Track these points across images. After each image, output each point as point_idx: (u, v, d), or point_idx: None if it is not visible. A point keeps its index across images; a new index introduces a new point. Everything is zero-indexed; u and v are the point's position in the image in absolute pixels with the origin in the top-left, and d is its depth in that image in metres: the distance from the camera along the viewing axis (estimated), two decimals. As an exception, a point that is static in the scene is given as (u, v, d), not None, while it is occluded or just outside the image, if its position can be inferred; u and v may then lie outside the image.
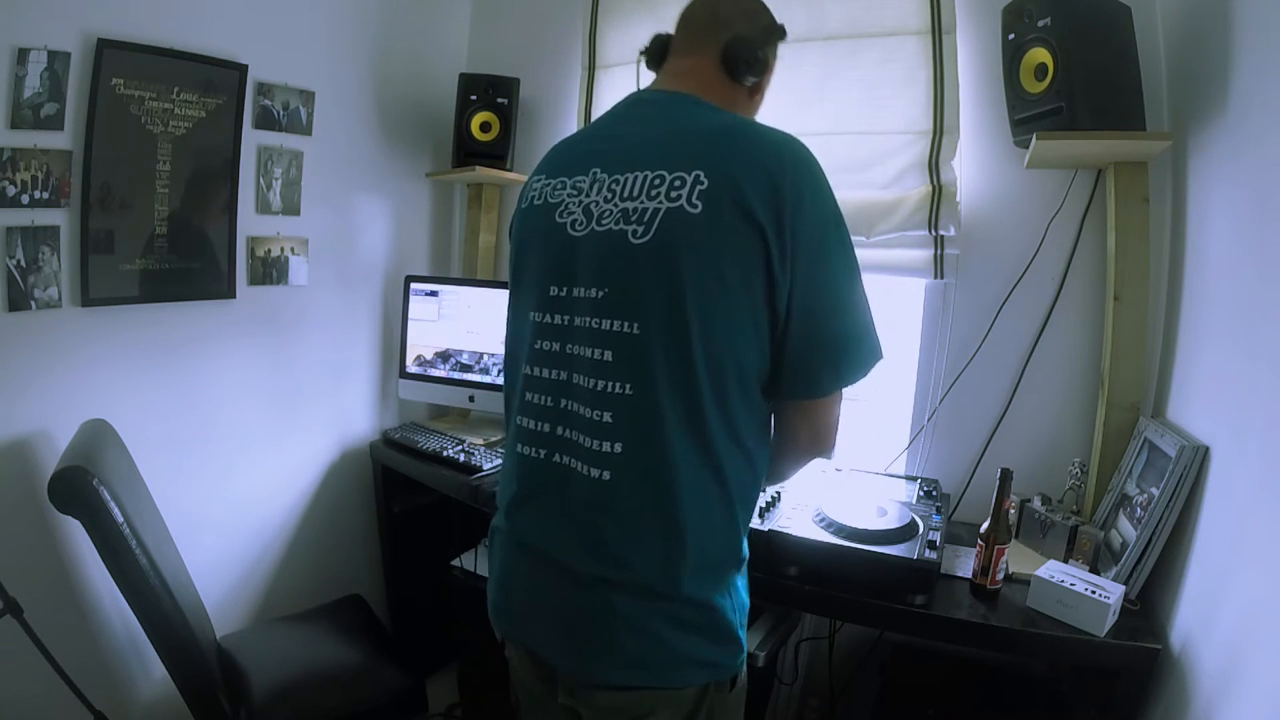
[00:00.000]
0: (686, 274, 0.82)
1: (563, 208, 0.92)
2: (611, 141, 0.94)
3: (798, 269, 0.83)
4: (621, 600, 0.86)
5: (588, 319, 0.88)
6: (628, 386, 0.84)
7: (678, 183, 0.83)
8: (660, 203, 0.83)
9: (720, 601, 0.89)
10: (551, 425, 0.92)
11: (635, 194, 0.86)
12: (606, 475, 0.86)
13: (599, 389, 0.86)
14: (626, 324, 0.84)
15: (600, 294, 0.87)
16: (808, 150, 0.87)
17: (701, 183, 0.82)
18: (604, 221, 0.87)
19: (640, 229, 0.84)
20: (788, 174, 0.82)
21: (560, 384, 0.91)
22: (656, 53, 1.04)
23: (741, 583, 0.95)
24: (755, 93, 1.03)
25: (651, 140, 0.89)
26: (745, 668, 0.94)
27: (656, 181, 0.85)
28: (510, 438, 1.00)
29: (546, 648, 0.94)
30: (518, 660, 1.02)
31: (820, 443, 0.95)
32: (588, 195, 0.90)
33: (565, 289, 0.90)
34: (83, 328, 1.57)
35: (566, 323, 0.90)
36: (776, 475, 1.02)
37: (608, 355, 0.86)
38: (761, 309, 0.83)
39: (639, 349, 0.84)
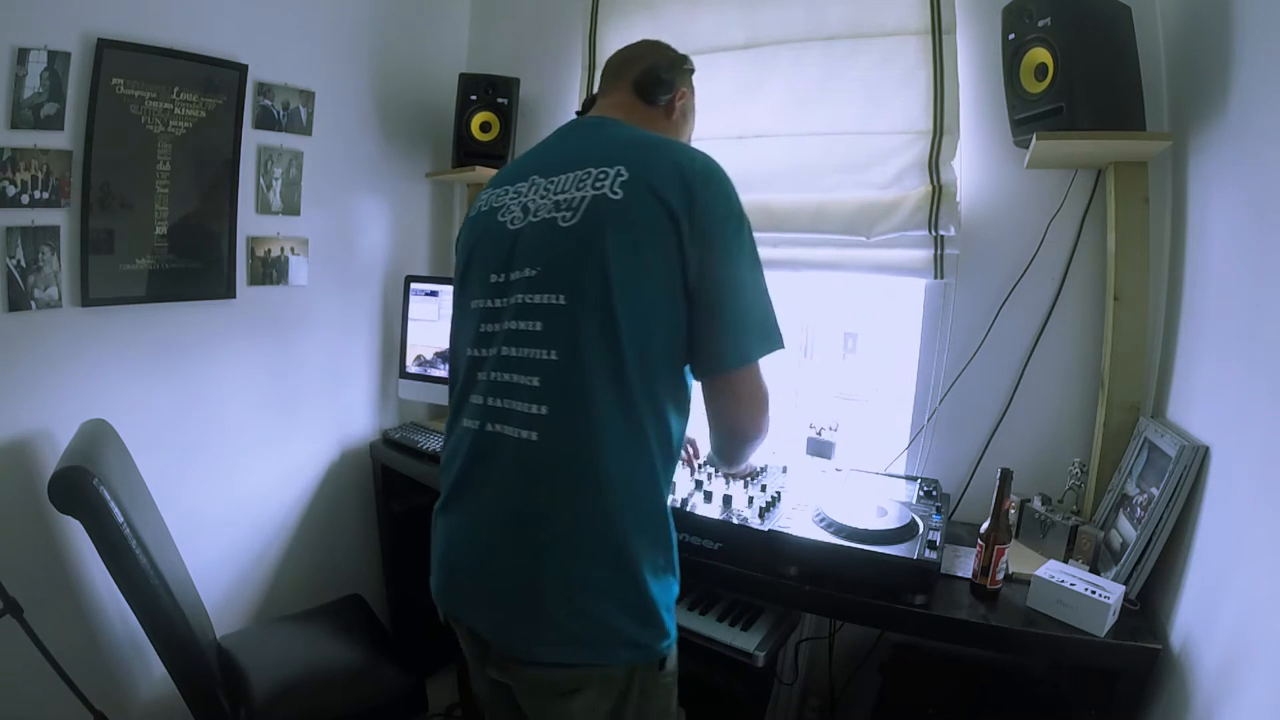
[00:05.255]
0: (608, 250, 0.91)
1: (504, 209, 1.04)
2: (548, 153, 1.09)
3: (703, 249, 0.92)
4: (550, 564, 0.91)
5: (521, 296, 0.97)
6: (553, 352, 0.93)
7: (602, 175, 0.95)
8: (586, 192, 0.95)
9: (648, 583, 0.94)
10: (487, 397, 0.99)
11: (565, 189, 0.98)
12: (534, 436, 0.93)
13: (528, 356, 0.95)
14: (554, 296, 0.94)
15: (533, 272, 0.97)
16: (717, 163, 0.98)
17: (622, 175, 0.94)
18: (539, 214, 0.99)
19: (569, 214, 0.95)
20: (698, 173, 0.94)
21: (498, 359, 0.99)
22: (586, 107, 1.21)
23: (671, 580, 0.99)
24: (671, 112, 1.17)
25: (582, 148, 1.02)
26: (675, 653, 1.00)
27: (584, 177, 0.97)
28: (450, 423, 1.07)
29: (480, 623, 0.99)
30: (462, 640, 1.06)
31: (739, 420, 1.00)
32: (525, 196, 1.02)
33: (504, 275, 1.00)
34: (83, 328, 1.57)
35: (504, 304, 1.00)
36: (720, 456, 1.10)
37: (537, 325, 0.95)
38: (678, 284, 0.93)
39: (564, 318, 0.93)
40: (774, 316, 0.98)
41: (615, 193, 0.93)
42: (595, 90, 1.22)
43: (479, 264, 1.05)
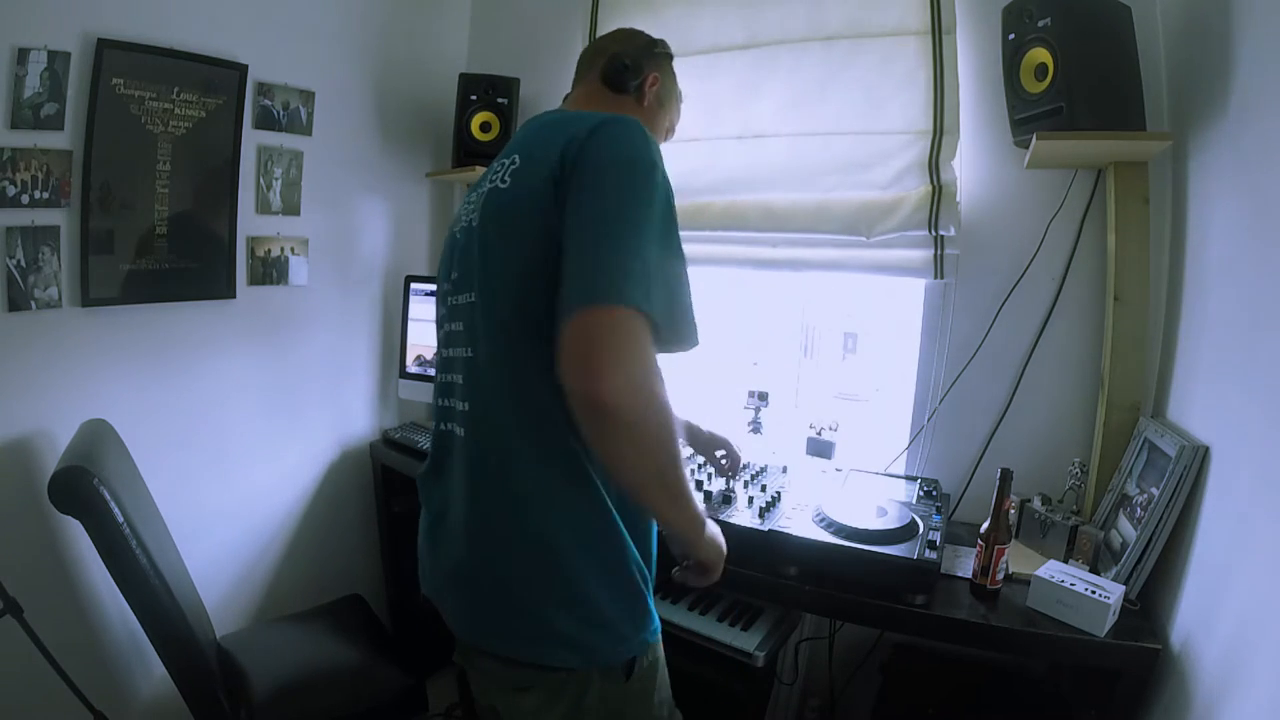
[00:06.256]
0: (496, 242, 0.90)
1: (457, 219, 1.04)
2: (496, 159, 1.04)
3: (572, 198, 0.83)
4: (483, 556, 0.92)
5: (450, 299, 1.00)
6: (468, 349, 0.94)
7: (499, 168, 0.94)
8: (485, 187, 0.95)
9: (588, 583, 0.88)
10: (439, 398, 1.03)
11: (481, 190, 0.97)
12: (460, 431, 0.96)
13: (456, 356, 0.97)
14: (465, 295, 0.95)
15: (456, 275, 0.98)
16: (634, 122, 0.88)
17: (515, 164, 0.91)
18: (468, 219, 0.98)
19: (475, 216, 0.94)
20: (587, 132, 0.85)
21: (445, 360, 1.02)
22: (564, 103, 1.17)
23: (628, 581, 0.92)
24: (643, 98, 1.11)
25: (510, 149, 0.98)
26: (651, 659, 0.95)
27: (489, 174, 0.97)
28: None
29: (445, 609, 1.01)
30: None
31: (570, 375, 0.75)
32: (472, 205, 0.99)
33: (447, 281, 1.02)
34: (83, 328, 1.57)
35: (446, 309, 1.02)
36: (610, 468, 0.85)
37: (459, 326, 0.96)
38: (555, 256, 0.82)
39: (473, 315, 0.93)
40: (648, 273, 0.78)
41: (504, 182, 0.91)
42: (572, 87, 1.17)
43: (440, 272, 1.07)
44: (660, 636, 0.99)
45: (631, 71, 1.08)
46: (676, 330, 0.84)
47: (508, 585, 0.91)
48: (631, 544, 0.93)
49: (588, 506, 0.90)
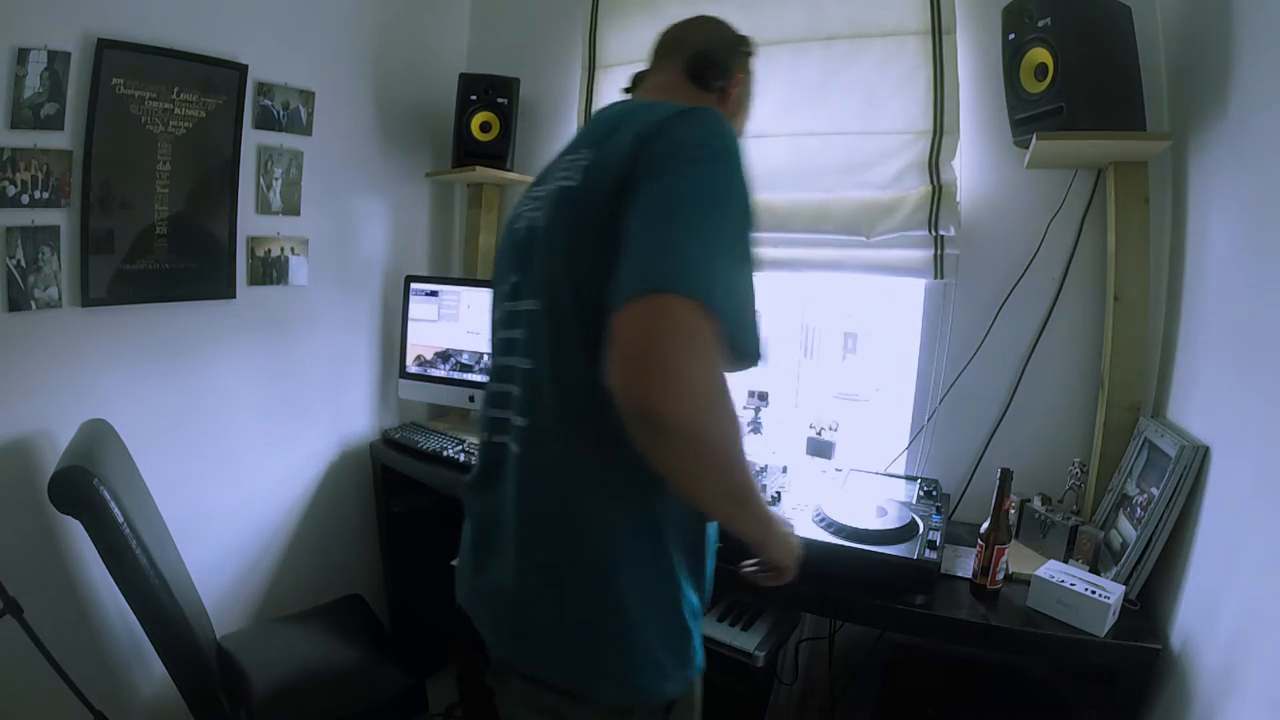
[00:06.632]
0: (566, 246, 0.82)
1: (517, 215, 0.97)
2: (562, 153, 0.98)
3: (640, 187, 0.73)
4: (532, 578, 0.86)
5: (510, 304, 0.93)
6: (529, 360, 0.87)
7: (569, 165, 0.86)
8: (554, 185, 0.87)
9: (636, 617, 0.82)
10: (490, 408, 0.97)
11: (546, 186, 0.90)
12: (516, 449, 0.89)
13: (515, 366, 0.90)
14: (528, 302, 0.88)
15: (516, 278, 0.91)
16: (719, 115, 0.81)
17: (585, 160, 0.83)
18: (529, 216, 0.92)
19: (539, 214, 0.87)
20: (671, 119, 0.78)
21: (501, 369, 0.95)
22: (633, 86, 1.08)
23: (680, 617, 0.86)
24: (726, 99, 1.04)
25: (577, 141, 0.92)
26: (690, 694, 0.91)
27: (555, 169, 0.90)
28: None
29: (482, 623, 0.96)
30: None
31: (618, 377, 0.64)
32: (535, 201, 0.93)
33: (508, 284, 0.95)
34: (83, 328, 1.57)
35: (503, 312, 0.96)
36: (672, 481, 0.74)
37: (518, 334, 0.90)
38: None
39: (536, 323, 0.86)
40: (719, 267, 0.68)
41: (575, 179, 0.83)
42: (648, 66, 1.07)
43: (498, 272, 1.01)
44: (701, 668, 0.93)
45: (720, 71, 1.01)
46: (739, 341, 0.72)
47: (558, 615, 0.85)
48: (687, 585, 0.87)
49: (649, 547, 0.84)
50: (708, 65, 1.00)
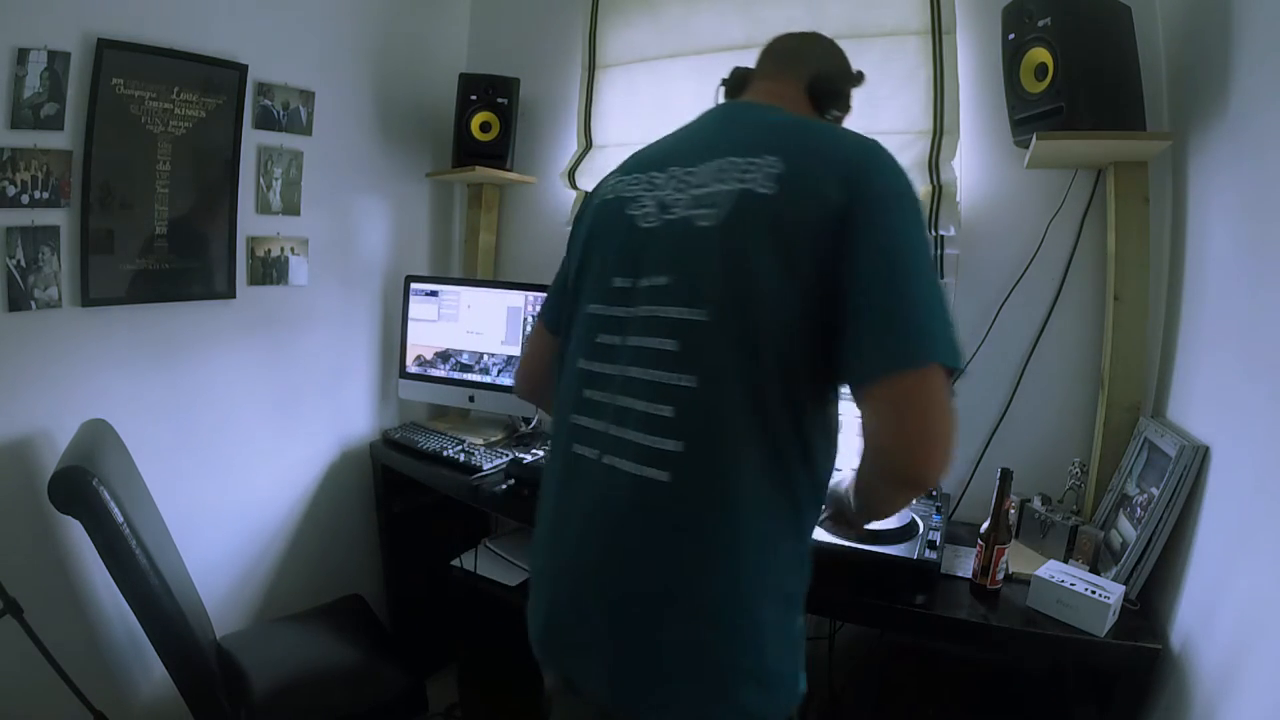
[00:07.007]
0: (755, 257, 0.77)
1: (635, 202, 0.90)
2: (692, 139, 0.94)
3: (868, 233, 0.75)
4: (675, 624, 0.79)
5: (650, 308, 0.83)
6: (690, 378, 0.79)
7: (751, 167, 0.81)
8: (732, 185, 0.81)
9: (772, 647, 0.81)
10: (607, 423, 0.86)
11: (708, 181, 0.84)
12: (664, 476, 0.79)
13: (659, 381, 0.81)
14: (691, 310, 0.80)
15: (665, 281, 0.83)
16: (879, 143, 0.83)
17: (775, 167, 0.79)
18: (674, 210, 0.85)
19: (709, 212, 0.81)
20: (862, 153, 0.80)
21: (618, 379, 0.85)
22: (737, 83, 1.05)
23: (799, 641, 0.86)
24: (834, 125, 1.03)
25: (729, 135, 0.88)
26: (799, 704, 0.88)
27: (726, 167, 0.83)
28: (553, 441, 0.94)
29: (590, 678, 0.85)
30: (558, 692, 0.93)
31: (900, 447, 0.74)
32: (663, 190, 0.88)
33: (631, 280, 0.87)
34: (83, 328, 1.57)
35: (629, 314, 0.86)
36: (869, 505, 0.89)
37: (669, 345, 0.81)
38: (832, 294, 0.76)
39: (704, 337, 0.79)
40: (953, 324, 0.75)
41: (765, 187, 0.78)
42: (752, 69, 1.05)
43: (600, 262, 0.91)
44: None
45: (843, 103, 1.03)
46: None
47: (694, 653, 0.78)
48: (802, 604, 0.88)
49: (797, 565, 0.84)
50: (833, 95, 1.00)
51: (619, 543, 0.82)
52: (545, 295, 1.11)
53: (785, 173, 0.79)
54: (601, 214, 0.95)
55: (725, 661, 0.79)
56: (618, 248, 0.90)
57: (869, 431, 0.77)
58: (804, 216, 0.77)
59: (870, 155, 0.80)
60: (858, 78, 1.08)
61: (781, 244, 0.77)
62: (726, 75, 1.06)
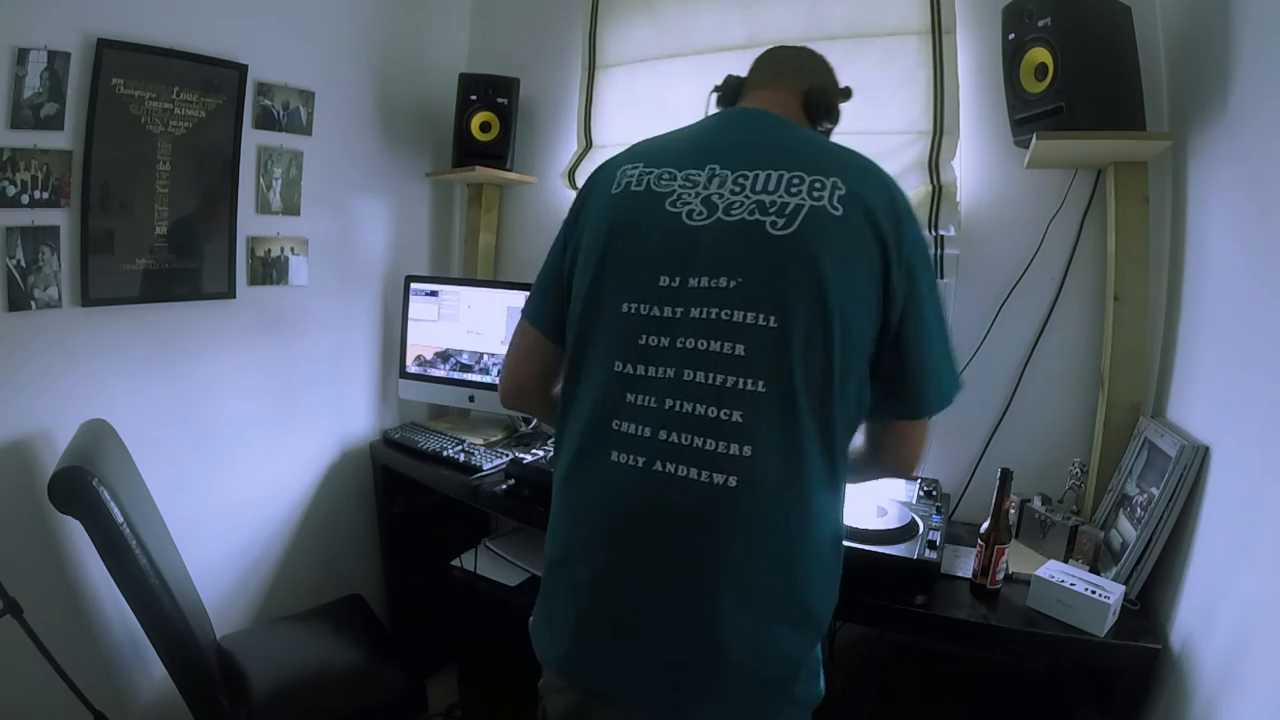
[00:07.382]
0: (828, 271, 0.81)
1: (675, 197, 0.89)
2: (726, 142, 0.95)
3: (909, 285, 0.85)
4: (738, 638, 0.78)
5: (710, 310, 0.82)
6: (761, 383, 0.80)
7: (818, 185, 0.85)
8: (803, 199, 0.84)
9: (818, 639, 0.87)
10: (659, 430, 0.83)
11: (772, 189, 0.86)
12: (732, 481, 0.79)
13: (726, 385, 0.80)
14: (763, 316, 0.80)
15: (731, 284, 0.82)
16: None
17: (840, 189, 0.84)
18: (734, 212, 0.85)
19: (781, 221, 0.83)
20: (899, 197, 0.89)
21: (668, 382, 0.83)
22: (731, 91, 1.08)
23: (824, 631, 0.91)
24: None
25: (776, 145, 0.92)
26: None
27: (795, 181, 0.85)
28: (579, 450, 0.89)
29: (639, 699, 0.82)
30: (578, 707, 0.88)
31: (910, 465, 0.98)
32: (706, 188, 0.88)
33: (679, 280, 0.85)
34: (83, 328, 1.57)
35: (679, 315, 0.84)
36: (860, 475, 1.03)
37: (739, 349, 0.81)
38: (878, 316, 0.85)
39: (777, 343, 0.80)
40: (957, 372, 0.94)
41: (835, 208, 0.83)
42: (745, 77, 1.08)
43: (633, 257, 0.88)
44: None
45: (834, 116, 1.08)
46: None
47: (763, 656, 0.80)
48: None
49: (839, 562, 0.90)
50: (826, 108, 1.05)
51: (676, 551, 0.81)
52: (530, 293, 1.04)
53: (848, 195, 0.85)
54: (629, 205, 0.91)
55: (788, 660, 0.83)
56: (661, 245, 0.87)
57: (870, 440, 0.98)
58: (862, 237, 0.84)
59: (902, 196, 0.90)
60: (846, 93, 1.13)
61: (846, 261, 0.83)
62: (719, 83, 1.09)
